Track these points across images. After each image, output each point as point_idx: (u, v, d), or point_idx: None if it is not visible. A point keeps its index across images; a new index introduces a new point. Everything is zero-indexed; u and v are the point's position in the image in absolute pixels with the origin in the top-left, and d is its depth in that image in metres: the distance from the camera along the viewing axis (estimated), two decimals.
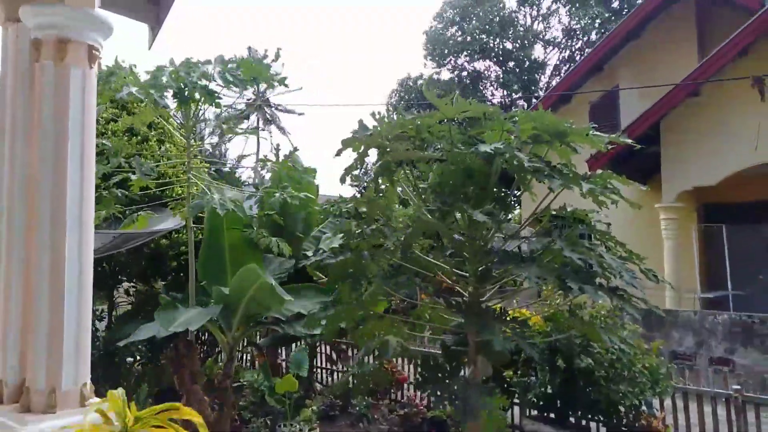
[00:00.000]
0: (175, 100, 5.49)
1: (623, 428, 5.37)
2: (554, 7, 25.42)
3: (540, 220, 4.30)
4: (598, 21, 23.38)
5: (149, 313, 7.19)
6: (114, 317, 8.38)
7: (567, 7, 24.74)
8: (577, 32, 25.39)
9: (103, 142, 5.73)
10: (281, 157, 5.46)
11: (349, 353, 8.43)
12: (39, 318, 2.68)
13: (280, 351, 8.00)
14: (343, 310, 4.37)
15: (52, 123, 2.78)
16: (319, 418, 6.54)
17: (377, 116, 3.96)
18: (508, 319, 3.68)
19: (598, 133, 3.89)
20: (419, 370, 3.90)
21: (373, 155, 4.58)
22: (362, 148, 4.03)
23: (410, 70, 34.80)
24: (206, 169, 6.79)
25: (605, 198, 3.94)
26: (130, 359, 8.16)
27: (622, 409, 5.29)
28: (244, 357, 9.55)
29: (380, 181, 4.24)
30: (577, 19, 24.54)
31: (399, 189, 4.50)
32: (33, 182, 2.81)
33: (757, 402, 5.17)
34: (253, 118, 33.99)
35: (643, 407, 5.36)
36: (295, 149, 5.46)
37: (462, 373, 3.94)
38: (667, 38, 13.80)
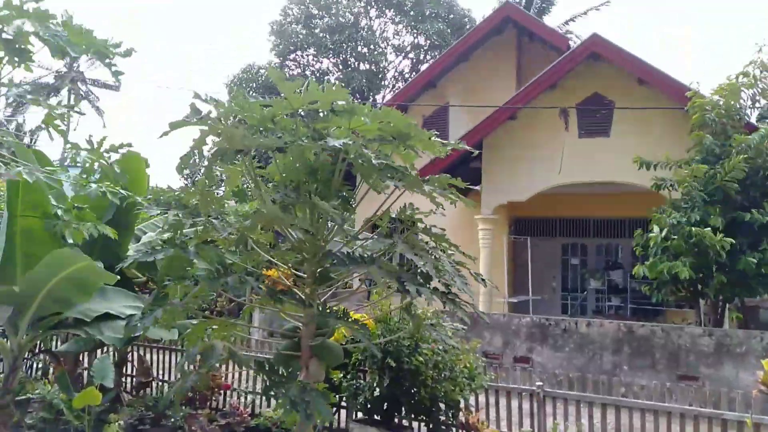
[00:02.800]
0: None
1: (443, 426, 5.63)
2: (399, 19, 26.49)
3: (375, 225, 4.30)
4: (436, 40, 24.90)
5: None
6: None
7: (409, 20, 25.96)
8: (422, 46, 26.76)
9: None
10: (103, 147, 4.68)
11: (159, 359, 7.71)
12: None
13: (81, 358, 6.98)
14: (165, 312, 3.90)
15: None
16: None
17: (209, 98, 3.61)
18: (350, 320, 3.57)
19: (438, 139, 4.01)
20: (264, 376, 3.61)
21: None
22: (200, 133, 3.63)
23: (255, 59, 33.40)
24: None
25: (443, 200, 4.07)
26: None
27: (442, 407, 5.54)
28: (34, 366, 8.20)
29: (214, 169, 3.87)
30: (416, 34, 25.93)
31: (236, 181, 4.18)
32: None
33: (554, 396, 5.79)
34: (64, 94, 29.89)
35: (461, 404, 5.68)
36: (128, 144, 4.71)
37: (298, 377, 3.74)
38: (490, 65, 15.18)
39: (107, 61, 4.23)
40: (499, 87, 14.30)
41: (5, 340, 4.81)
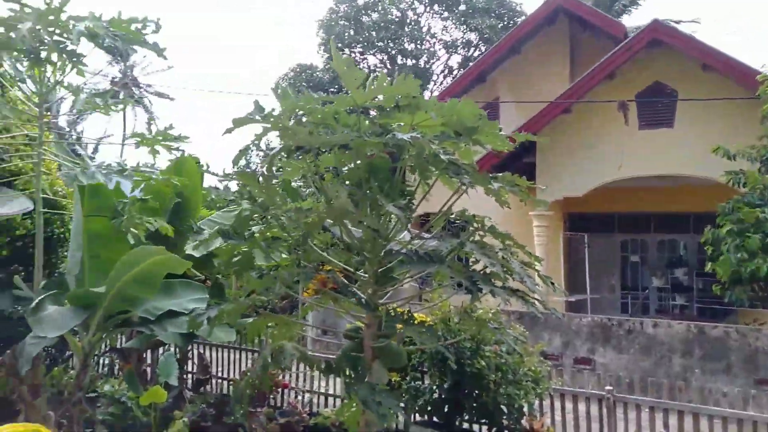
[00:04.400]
0: (27, 59, 4.60)
1: (506, 431, 5.45)
2: (446, 15, 26.19)
3: (423, 222, 4.18)
4: (486, 34, 24.46)
5: None
6: None
7: (457, 15, 25.62)
8: (470, 41, 26.37)
9: None
10: (154, 131, 4.80)
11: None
12: None
13: (144, 355, 7.16)
14: (229, 307, 3.92)
15: None
16: (190, 429, 5.91)
17: (279, 91, 3.56)
18: (415, 323, 3.47)
19: (504, 133, 3.84)
20: (345, 378, 3.58)
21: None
22: (263, 129, 3.61)
23: (304, 59, 33.40)
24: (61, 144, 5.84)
25: (506, 198, 3.90)
26: None
27: (505, 411, 5.36)
28: (101, 362, 8.49)
29: (278, 164, 3.83)
30: (465, 29, 25.56)
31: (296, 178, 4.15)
32: None
33: (625, 401, 5.50)
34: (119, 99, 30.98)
35: (525, 408, 5.48)
36: (170, 126, 4.81)
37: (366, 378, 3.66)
38: (542, 57, 14.74)
39: (145, 38, 4.29)
40: (552, 79, 13.88)
41: (77, 338, 4.95)
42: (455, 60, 27.00)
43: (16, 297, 5.72)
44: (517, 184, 3.67)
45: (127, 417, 5.63)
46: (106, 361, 8.35)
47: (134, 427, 5.66)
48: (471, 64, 21.16)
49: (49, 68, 4.73)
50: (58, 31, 4.27)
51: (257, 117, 3.60)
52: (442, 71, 27.23)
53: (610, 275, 13.99)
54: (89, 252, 5.25)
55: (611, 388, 5.44)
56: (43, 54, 4.61)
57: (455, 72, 25.81)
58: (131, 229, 4.85)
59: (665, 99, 11.22)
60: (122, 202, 5.04)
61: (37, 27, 4.25)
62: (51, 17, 4.16)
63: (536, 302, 3.74)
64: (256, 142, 3.78)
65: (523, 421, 5.43)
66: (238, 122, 3.67)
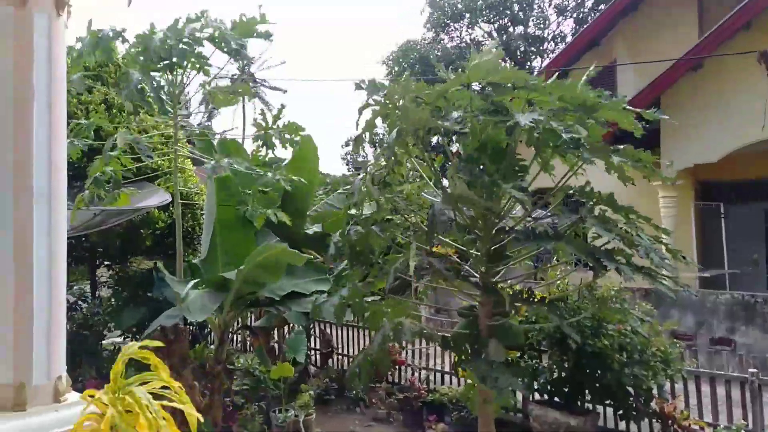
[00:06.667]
0: (162, 65, 5.07)
1: (634, 413, 5.17)
2: None
3: (535, 201, 4.02)
4: None
5: (136, 293, 6.87)
6: (98, 296, 8.04)
7: None
8: (585, 3, 24.79)
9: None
10: (270, 120, 5.09)
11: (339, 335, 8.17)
12: (3, 303, 2.32)
13: (273, 332, 7.70)
14: (349, 292, 4.10)
15: (11, 78, 2.39)
16: (315, 402, 6.28)
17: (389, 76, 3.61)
18: (535, 301, 3.39)
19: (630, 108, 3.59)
20: (462, 354, 3.64)
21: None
22: (372, 113, 3.68)
23: (409, 37, 33.00)
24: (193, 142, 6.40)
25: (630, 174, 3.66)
26: (115, 340, 7.84)
27: (631, 391, 5.08)
28: (234, 339, 9.25)
29: (396, 150, 3.88)
30: None
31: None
32: None
33: None
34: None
35: (655, 391, 5.16)
36: (282, 106, 5.10)
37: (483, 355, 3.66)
38: (664, 12, 13.44)
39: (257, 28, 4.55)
40: (677, 37, 12.61)
41: (214, 317, 5.43)
42: (568, 24, 25.47)
43: (159, 281, 6.41)
44: (640, 159, 3.42)
45: (259, 388, 6.10)
46: (239, 338, 9.09)
47: (266, 398, 6.12)
48: (584, 27, 19.82)
49: (179, 72, 5.19)
50: (186, 39, 4.67)
51: (371, 100, 3.67)
52: (554, 37, 25.83)
53: (752, 248, 12.57)
54: (220, 238, 5.71)
55: (756, 370, 4.95)
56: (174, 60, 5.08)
57: (567, 37, 24.35)
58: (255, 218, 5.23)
59: None
60: (246, 193, 5.41)
61: (168, 39, 4.69)
62: (179, 27, 4.58)
63: (666, 279, 3.49)
64: (368, 129, 3.86)
65: (653, 404, 5.12)
66: (362, 108, 3.77)
